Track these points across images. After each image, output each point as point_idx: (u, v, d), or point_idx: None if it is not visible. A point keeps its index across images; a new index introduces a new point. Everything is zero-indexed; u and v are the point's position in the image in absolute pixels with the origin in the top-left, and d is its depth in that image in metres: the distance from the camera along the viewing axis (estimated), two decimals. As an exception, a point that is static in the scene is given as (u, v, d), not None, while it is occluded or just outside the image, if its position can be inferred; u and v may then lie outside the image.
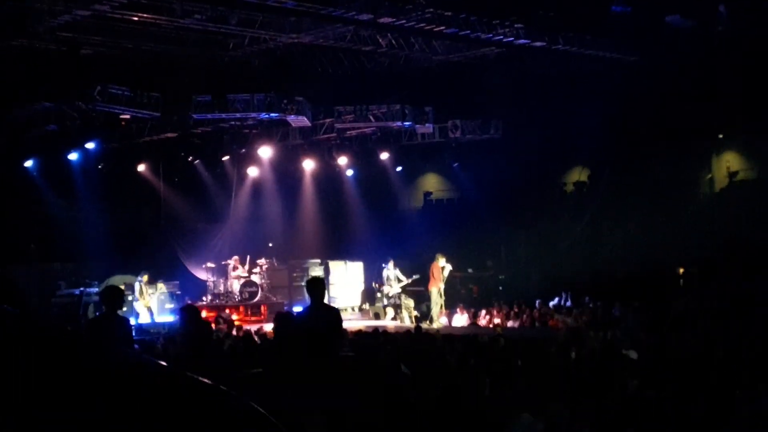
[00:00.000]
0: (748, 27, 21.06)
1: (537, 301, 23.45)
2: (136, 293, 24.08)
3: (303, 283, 21.92)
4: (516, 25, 21.33)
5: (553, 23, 21.73)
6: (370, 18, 19.72)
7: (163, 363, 3.76)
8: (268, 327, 20.05)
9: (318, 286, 10.35)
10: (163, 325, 23.15)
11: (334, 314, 10.40)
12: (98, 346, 3.89)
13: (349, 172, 30.99)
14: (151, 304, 24.82)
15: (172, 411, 3.67)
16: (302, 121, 24.68)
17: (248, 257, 27.19)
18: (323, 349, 9.76)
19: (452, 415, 8.54)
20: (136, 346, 12.51)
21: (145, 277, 24.92)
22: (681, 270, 24.08)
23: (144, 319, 23.83)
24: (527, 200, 27.80)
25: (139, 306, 24.13)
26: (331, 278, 28.14)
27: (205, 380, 3.62)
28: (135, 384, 3.63)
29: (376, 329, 17.11)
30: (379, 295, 27.11)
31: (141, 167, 28.66)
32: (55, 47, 20.73)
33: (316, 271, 26.73)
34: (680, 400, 8.59)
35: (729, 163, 26.28)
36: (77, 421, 3.45)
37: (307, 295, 10.56)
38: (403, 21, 20.23)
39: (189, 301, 26.32)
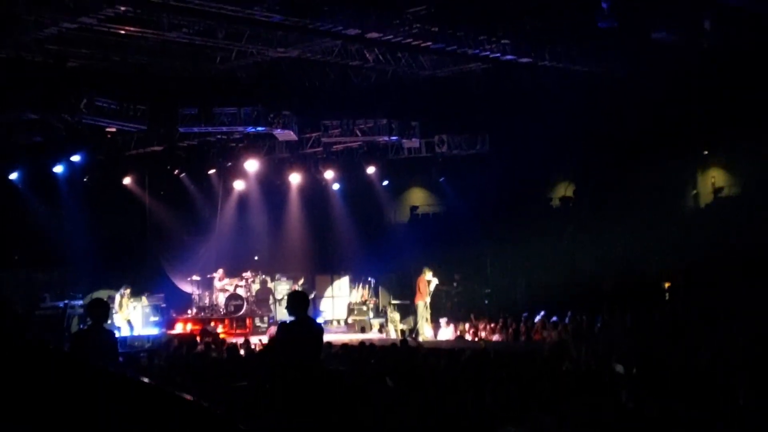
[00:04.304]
0: (734, 43, 21.18)
1: (523, 315, 23.49)
2: (116, 305, 24.02)
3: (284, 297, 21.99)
4: (502, 41, 21.38)
5: (540, 39, 21.82)
6: (357, 33, 19.74)
7: (146, 379, 3.76)
8: (254, 339, 20.07)
9: (300, 300, 10.34)
10: (147, 338, 23.11)
11: (316, 328, 10.40)
12: (81, 363, 3.88)
13: (336, 186, 30.98)
14: (131, 317, 24.77)
15: (154, 426, 3.67)
16: (289, 134, 24.67)
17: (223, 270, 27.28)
18: (307, 362, 9.75)
19: (438, 428, 8.54)
20: (120, 359, 12.47)
21: (127, 290, 24.86)
22: (667, 284, 24.16)
23: (125, 332, 23.78)
24: (513, 215, 27.83)
25: (118, 319, 24.07)
26: (317, 292, 28.34)
27: (188, 396, 3.62)
28: (118, 400, 3.63)
29: (362, 343, 17.11)
30: (365, 308, 27.21)
31: (127, 180, 28.61)
32: (42, 59, 20.69)
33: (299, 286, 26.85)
34: (667, 411, 8.62)
35: (714, 178, 26.39)
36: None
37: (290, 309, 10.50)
38: (390, 36, 20.25)
39: (174, 314, 26.35)
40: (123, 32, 19.87)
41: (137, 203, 28.86)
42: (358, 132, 25.52)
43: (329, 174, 30.11)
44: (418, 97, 25.17)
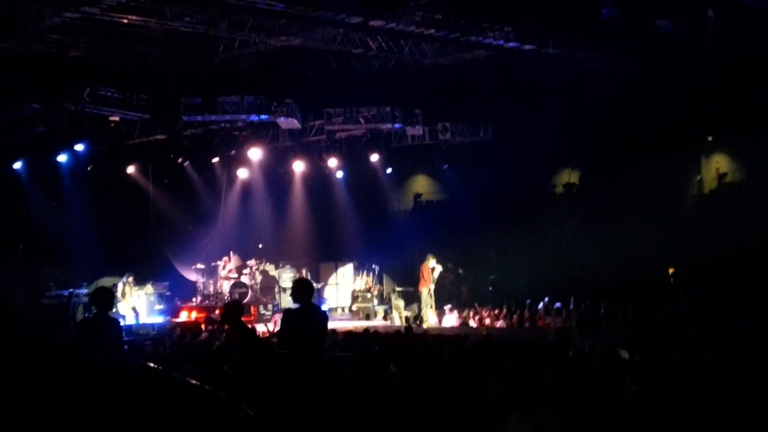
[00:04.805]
0: (737, 30, 21.13)
1: (527, 302, 23.49)
2: (119, 294, 24.01)
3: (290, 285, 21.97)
4: (506, 29, 21.35)
5: (543, 27, 21.77)
6: (360, 21, 19.74)
7: (152, 364, 3.77)
8: (260, 327, 20.11)
9: (305, 288, 10.35)
10: (151, 326, 23.13)
11: (321, 316, 10.41)
12: (85, 351, 3.90)
13: (339, 174, 30.99)
14: (136, 305, 24.77)
15: (159, 411, 3.70)
16: (292, 123, 24.68)
17: (231, 252, 27.28)
18: (311, 350, 9.77)
19: (442, 415, 8.56)
20: (125, 347, 12.50)
21: (130, 278, 24.86)
22: (671, 270, 24.14)
23: (129, 320, 23.80)
24: (517, 202, 27.80)
25: (122, 307, 24.07)
26: (321, 280, 28.39)
27: (193, 381, 3.64)
28: (123, 385, 3.65)
29: (366, 330, 17.13)
30: (369, 295, 27.23)
31: (130, 169, 28.63)
32: (44, 49, 20.69)
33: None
34: (670, 403, 8.62)
35: (718, 165, 26.35)
36: (67, 422, 3.48)
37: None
38: (393, 24, 20.25)
39: (178, 303, 26.37)
40: (125, 21, 19.86)
41: (141, 192, 28.88)
42: (361, 120, 25.53)
43: (333, 162, 30.13)
44: (421, 84, 25.14)
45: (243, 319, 10.28)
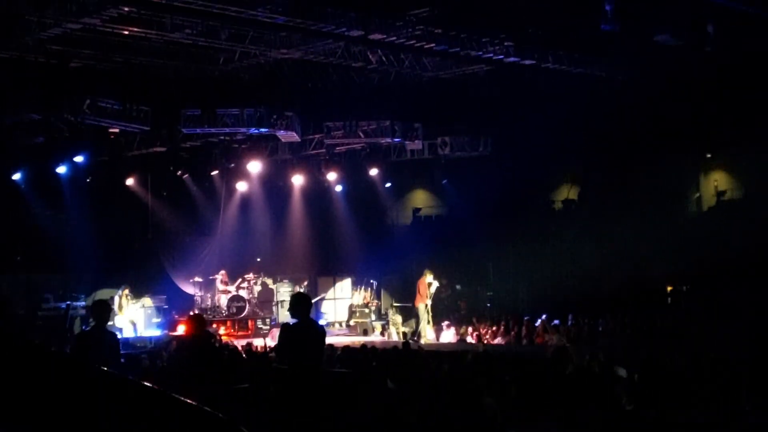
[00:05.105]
0: (737, 45, 21.17)
1: (525, 318, 23.46)
2: (115, 307, 23.94)
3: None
4: (506, 43, 21.36)
5: (543, 41, 21.79)
6: (360, 34, 19.74)
7: (147, 383, 3.73)
8: (257, 341, 20.07)
9: (303, 302, 10.31)
10: (149, 339, 23.07)
11: (319, 330, 10.37)
12: (81, 366, 3.85)
13: (338, 188, 30.96)
14: (134, 317, 24.72)
15: (154, 428, 3.66)
16: (291, 136, 24.67)
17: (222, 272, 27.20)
18: (309, 365, 9.73)
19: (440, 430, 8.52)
20: (122, 360, 12.45)
21: (125, 291, 24.81)
22: (669, 288, 24.13)
23: (127, 333, 23.73)
24: (516, 217, 27.80)
25: (119, 320, 23.99)
26: (319, 294, 28.34)
27: (190, 401, 3.59)
28: (118, 404, 3.61)
29: (363, 345, 17.08)
30: (367, 310, 27.18)
31: (129, 181, 28.59)
32: (45, 59, 20.69)
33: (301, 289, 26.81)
34: (668, 414, 8.61)
35: (717, 182, 26.37)
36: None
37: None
38: (394, 38, 20.25)
39: (176, 315, 26.32)
40: (126, 33, 19.88)
41: (140, 204, 28.83)
42: (360, 134, 25.52)
43: (332, 175, 30.10)
44: (421, 98, 25.16)
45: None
